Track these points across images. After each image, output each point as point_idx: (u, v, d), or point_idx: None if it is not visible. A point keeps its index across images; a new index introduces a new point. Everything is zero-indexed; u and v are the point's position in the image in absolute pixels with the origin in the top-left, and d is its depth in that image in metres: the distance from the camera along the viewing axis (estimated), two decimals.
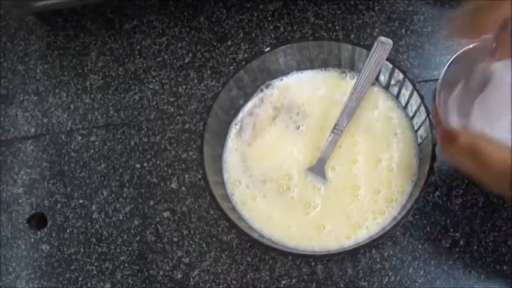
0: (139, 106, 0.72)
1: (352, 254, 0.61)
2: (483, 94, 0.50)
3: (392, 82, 0.61)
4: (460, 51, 0.52)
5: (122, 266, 0.66)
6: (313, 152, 0.61)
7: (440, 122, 0.51)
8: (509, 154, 0.43)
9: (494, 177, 0.45)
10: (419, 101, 0.57)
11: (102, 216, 0.68)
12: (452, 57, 0.52)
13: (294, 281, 0.62)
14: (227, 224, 0.60)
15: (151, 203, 0.67)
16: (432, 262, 0.60)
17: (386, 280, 0.60)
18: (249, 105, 0.65)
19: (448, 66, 0.52)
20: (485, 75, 0.50)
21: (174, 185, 0.68)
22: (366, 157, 0.60)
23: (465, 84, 0.52)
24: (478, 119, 0.50)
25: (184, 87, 0.72)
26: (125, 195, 0.68)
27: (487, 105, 0.50)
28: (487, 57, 0.48)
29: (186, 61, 0.73)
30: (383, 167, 0.59)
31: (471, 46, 0.52)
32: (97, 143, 0.71)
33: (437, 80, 0.66)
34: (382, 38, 0.59)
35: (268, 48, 0.62)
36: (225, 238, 0.64)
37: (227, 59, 0.72)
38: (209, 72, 0.72)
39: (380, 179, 0.59)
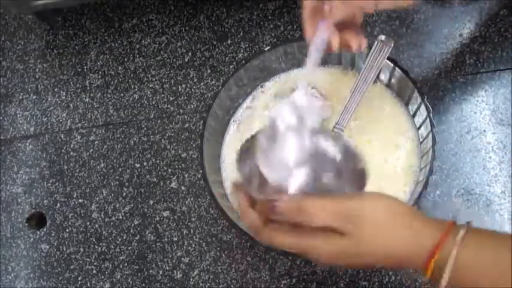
0: (138, 105, 0.72)
1: None
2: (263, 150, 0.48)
3: (393, 81, 0.61)
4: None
5: (121, 266, 0.65)
6: None
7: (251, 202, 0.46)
8: (328, 201, 0.42)
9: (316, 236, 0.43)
10: (420, 99, 0.57)
11: (102, 215, 0.68)
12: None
13: (294, 280, 0.62)
14: (227, 223, 0.60)
15: (151, 202, 0.67)
16: None
17: (387, 280, 0.60)
18: (248, 100, 0.65)
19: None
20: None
21: (173, 185, 0.68)
22: (374, 157, 0.60)
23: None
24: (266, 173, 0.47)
25: (184, 86, 0.72)
26: (124, 194, 0.68)
27: (268, 156, 0.48)
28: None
29: (186, 60, 0.73)
30: (389, 166, 0.59)
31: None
32: (96, 142, 0.71)
33: (437, 78, 0.66)
34: (383, 37, 0.59)
35: (268, 47, 0.62)
36: (225, 238, 0.64)
37: (227, 58, 0.72)
38: (209, 71, 0.72)
39: (383, 179, 0.59)
